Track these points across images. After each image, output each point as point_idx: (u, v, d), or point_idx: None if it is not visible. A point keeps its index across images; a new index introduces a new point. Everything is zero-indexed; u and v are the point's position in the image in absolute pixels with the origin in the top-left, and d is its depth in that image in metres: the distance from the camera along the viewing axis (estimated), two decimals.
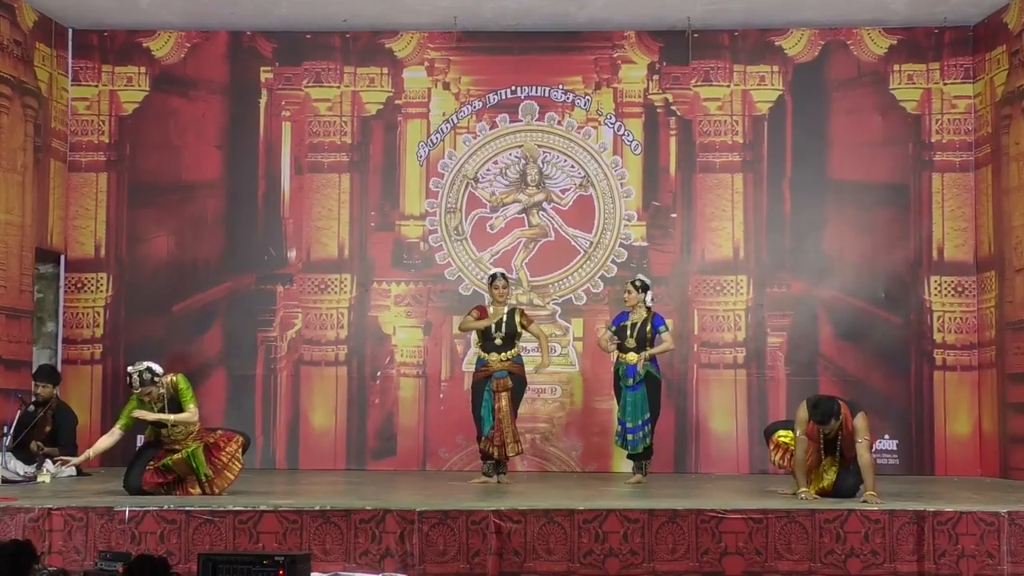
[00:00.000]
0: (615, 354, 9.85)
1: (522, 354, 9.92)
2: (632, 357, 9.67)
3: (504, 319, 9.78)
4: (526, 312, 10.13)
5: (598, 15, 11.37)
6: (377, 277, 11.72)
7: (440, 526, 7.05)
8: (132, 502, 7.39)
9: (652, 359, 9.68)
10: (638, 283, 9.84)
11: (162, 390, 8.20)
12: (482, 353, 9.82)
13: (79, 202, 11.79)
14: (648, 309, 9.80)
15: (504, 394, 9.68)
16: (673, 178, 11.72)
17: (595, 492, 8.73)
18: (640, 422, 9.65)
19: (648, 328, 9.69)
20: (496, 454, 9.66)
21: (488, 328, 9.78)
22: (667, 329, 9.82)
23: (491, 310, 9.87)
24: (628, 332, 9.71)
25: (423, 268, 11.74)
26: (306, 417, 11.57)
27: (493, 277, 9.95)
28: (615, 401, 9.95)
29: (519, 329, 9.80)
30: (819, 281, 11.56)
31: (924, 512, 7.12)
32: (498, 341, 9.74)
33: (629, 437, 9.69)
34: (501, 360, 9.72)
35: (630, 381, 9.66)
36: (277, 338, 11.66)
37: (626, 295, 9.82)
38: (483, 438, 9.70)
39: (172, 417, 8.20)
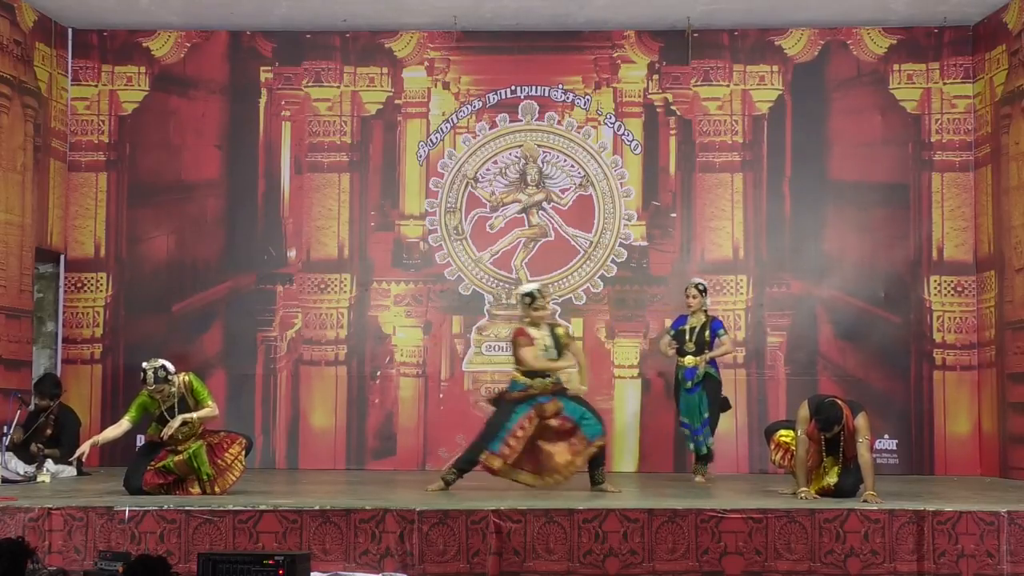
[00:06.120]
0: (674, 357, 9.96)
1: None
2: (691, 360, 9.80)
3: (550, 342, 8.78)
4: (567, 329, 9.31)
5: (598, 15, 11.37)
6: (377, 277, 11.71)
7: (440, 526, 7.06)
8: (132, 502, 7.40)
9: (711, 361, 9.80)
10: (701, 286, 9.93)
11: (173, 389, 8.23)
12: (523, 378, 8.75)
13: (79, 202, 11.79)
14: (705, 312, 9.89)
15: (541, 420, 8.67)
16: (673, 178, 11.72)
17: (595, 492, 8.71)
18: (700, 424, 9.77)
19: (707, 332, 9.81)
20: (500, 469, 8.63)
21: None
22: (725, 332, 9.97)
23: (532, 332, 8.79)
24: (687, 336, 9.82)
25: (423, 268, 11.73)
26: (306, 417, 11.57)
27: (532, 297, 8.72)
28: (675, 404, 10.12)
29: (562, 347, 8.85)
30: (819, 281, 11.55)
31: (924, 512, 7.13)
32: None
33: (698, 439, 9.83)
34: (548, 384, 8.79)
35: (689, 384, 9.83)
36: (277, 338, 11.65)
37: (691, 299, 9.88)
38: (488, 452, 8.62)
39: (195, 415, 8.24)
